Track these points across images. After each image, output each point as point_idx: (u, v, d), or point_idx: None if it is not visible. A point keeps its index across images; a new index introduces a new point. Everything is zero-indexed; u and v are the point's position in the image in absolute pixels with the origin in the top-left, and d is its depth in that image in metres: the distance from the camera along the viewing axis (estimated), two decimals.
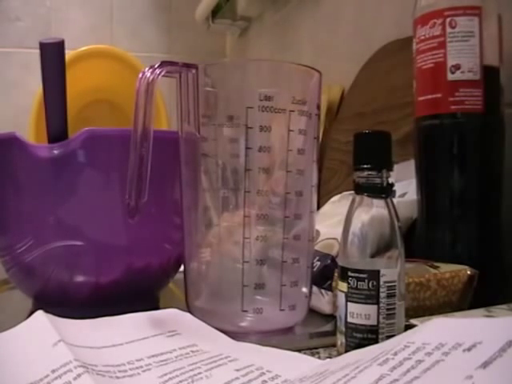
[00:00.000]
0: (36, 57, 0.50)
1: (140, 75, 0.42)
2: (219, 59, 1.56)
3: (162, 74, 0.42)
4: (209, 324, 0.42)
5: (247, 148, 0.43)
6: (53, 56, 0.50)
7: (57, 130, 0.50)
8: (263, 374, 0.33)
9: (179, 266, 0.54)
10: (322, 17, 1.12)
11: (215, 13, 1.49)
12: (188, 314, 0.45)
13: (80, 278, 0.50)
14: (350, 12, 1.01)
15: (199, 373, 0.33)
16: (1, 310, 0.58)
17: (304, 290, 0.46)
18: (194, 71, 0.44)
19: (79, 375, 0.30)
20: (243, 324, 0.44)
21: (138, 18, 1.67)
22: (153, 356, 0.35)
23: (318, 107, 0.46)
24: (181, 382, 0.32)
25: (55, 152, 0.48)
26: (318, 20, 1.14)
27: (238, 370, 0.33)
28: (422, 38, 0.54)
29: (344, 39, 1.03)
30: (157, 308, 0.47)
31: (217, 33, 1.63)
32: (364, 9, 0.97)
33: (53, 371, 0.31)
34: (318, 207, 0.60)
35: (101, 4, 1.65)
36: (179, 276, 0.51)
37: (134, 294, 0.50)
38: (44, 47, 0.50)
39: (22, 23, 1.58)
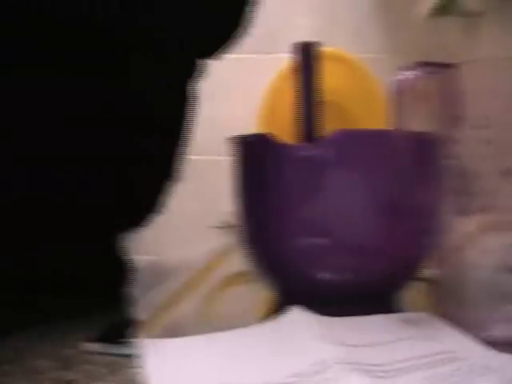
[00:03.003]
0: None
1: (397, 77, 0.42)
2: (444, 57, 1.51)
3: (418, 74, 0.42)
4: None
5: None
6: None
7: (306, 130, 0.52)
8: None
9: (420, 270, 0.53)
10: None
11: (439, 9, 1.45)
12: (439, 320, 0.44)
13: (325, 276, 0.51)
14: None
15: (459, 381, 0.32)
16: (237, 303, 0.60)
17: None
18: (447, 71, 0.43)
19: (345, 372, 0.31)
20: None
21: (360, 19, 1.68)
22: (412, 359, 0.35)
23: None
24: None
25: (307, 151, 0.50)
26: None
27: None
28: None
29: None
30: (396, 311, 0.47)
31: (441, 29, 1.58)
32: None
33: (319, 364, 0.33)
34: None
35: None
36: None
37: (372, 295, 0.50)
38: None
39: None
